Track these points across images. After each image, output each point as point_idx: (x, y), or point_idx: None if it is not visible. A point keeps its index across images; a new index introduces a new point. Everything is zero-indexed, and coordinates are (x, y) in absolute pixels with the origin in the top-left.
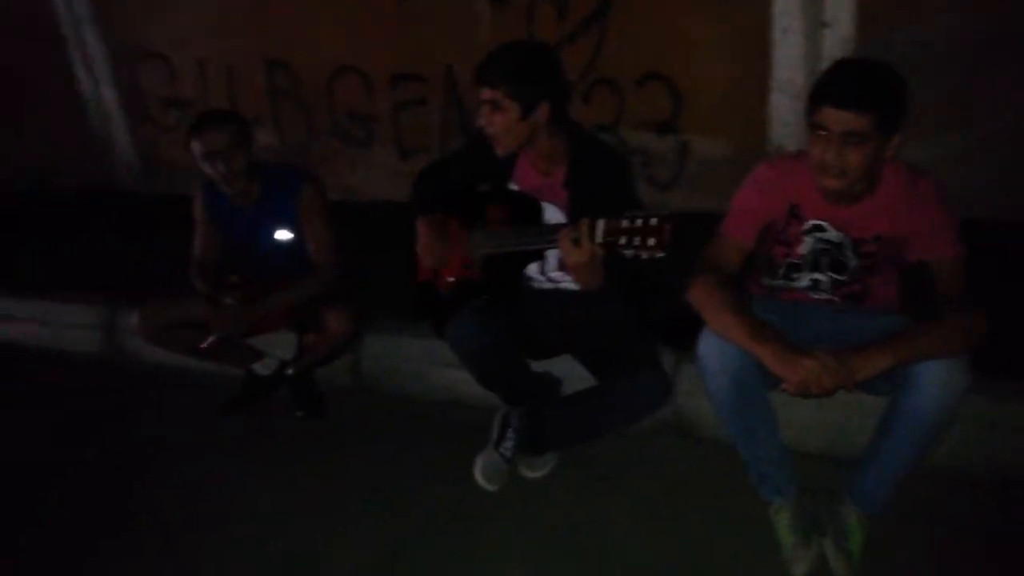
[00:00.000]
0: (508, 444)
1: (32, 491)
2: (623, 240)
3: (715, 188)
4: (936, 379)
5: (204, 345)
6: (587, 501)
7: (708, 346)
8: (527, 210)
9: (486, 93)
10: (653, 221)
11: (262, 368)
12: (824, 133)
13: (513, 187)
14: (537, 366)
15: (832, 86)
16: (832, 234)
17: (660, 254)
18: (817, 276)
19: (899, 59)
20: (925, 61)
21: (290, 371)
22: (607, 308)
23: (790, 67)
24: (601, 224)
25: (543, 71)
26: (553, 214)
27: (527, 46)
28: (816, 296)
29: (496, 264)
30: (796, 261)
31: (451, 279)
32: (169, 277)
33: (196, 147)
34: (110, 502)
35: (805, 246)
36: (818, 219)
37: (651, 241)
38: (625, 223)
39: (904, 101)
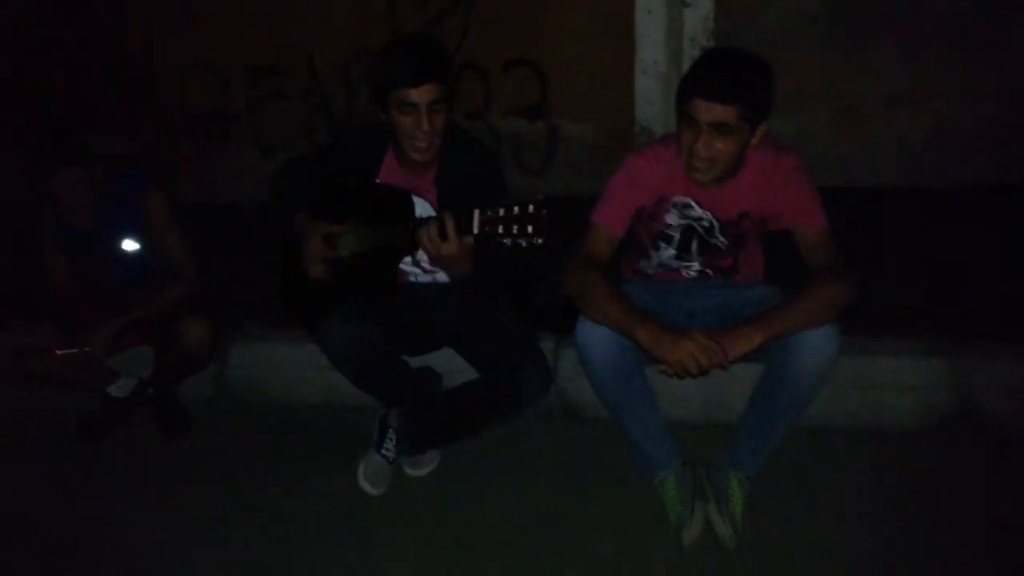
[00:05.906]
0: (389, 445)
1: None
2: (501, 229)
3: (586, 172)
4: (809, 348)
5: (59, 352)
6: (477, 494)
7: (585, 334)
8: (398, 204)
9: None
10: (530, 208)
11: (118, 390)
12: (694, 123)
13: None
14: (417, 361)
15: (701, 78)
16: (698, 211)
17: (539, 240)
18: (686, 254)
19: (760, 36)
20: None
21: (150, 390)
22: (486, 300)
23: (653, 48)
24: (476, 215)
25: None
26: (424, 208)
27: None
28: (687, 274)
29: (366, 262)
30: (664, 231)
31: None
32: None
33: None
34: None
35: (671, 217)
36: (685, 196)
37: (529, 228)
38: (502, 211)
39: (769, 92)
